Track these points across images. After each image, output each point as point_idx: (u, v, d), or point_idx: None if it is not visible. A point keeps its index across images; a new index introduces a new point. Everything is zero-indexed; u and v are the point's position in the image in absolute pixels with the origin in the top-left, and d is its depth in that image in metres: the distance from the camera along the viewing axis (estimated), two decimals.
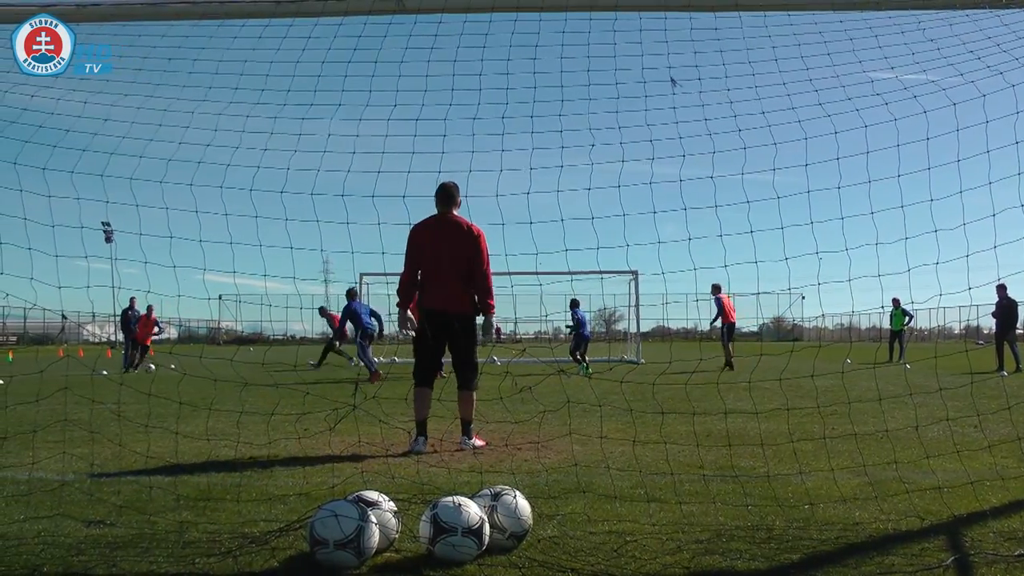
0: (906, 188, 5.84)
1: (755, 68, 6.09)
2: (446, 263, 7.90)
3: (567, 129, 5.89)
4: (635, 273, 28.54)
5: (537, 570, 4.23)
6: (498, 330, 24.65)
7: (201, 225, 5.74)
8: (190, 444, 7.81)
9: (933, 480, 5.98)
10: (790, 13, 6.17)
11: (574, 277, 6.28)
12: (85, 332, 59.60)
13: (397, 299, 8.16)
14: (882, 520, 5.14)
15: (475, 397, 8.26)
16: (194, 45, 6.05)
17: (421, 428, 7.97)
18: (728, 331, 21.90)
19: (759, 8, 6.01)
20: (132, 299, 25.50)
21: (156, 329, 26.12)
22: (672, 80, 5.98)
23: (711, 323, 22.08)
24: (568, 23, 5.86)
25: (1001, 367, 19.85)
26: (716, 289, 22.05)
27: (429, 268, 7.93)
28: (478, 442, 8.19)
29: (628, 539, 4.68)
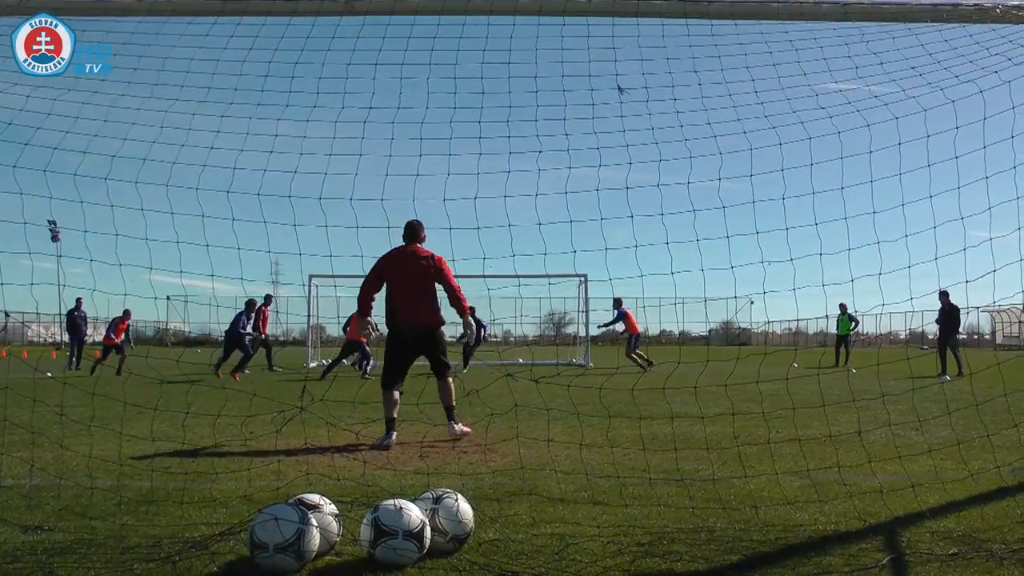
0: (849, 200, 5.95)
1: (701, 78, 6.15)
2: (417, 285, 9.02)
3: (514, 135, 5.91)
4: (584, 277, 28.63)
5: (478, 573, 4.24)
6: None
7: (147, 224, 5.68)
8: (134, 446, 7.70)
9: (874, 483, 6.08)
10: (737, 23, 6.24)
11: (522, 281, 6.28)
12: (30, 332, 58.50)
13: (356, 310, 9.30)
14: (823, 522, 5.22)
15: (451, 384, 9.32)
16: (141, 42, 5.96)
17: (390, 425, 8.77)
18: (635, 341, 23.48)
19: (706, 16, 6.06)
20: (79, 300, 25.12)
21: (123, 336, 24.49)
22: (619, 87, 6.03)
23: (599, 326, 23.05)
24: (516, 28, 5.86)
25: (944, 371, 20.27)
26: (618, 303, 23.45)
27: (402, 290, 9.00)
28: (464, 428, 9.13)
29: (570, 542, 4.70)
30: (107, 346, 22.86)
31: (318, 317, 28.90)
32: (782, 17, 6.16)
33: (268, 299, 22.49)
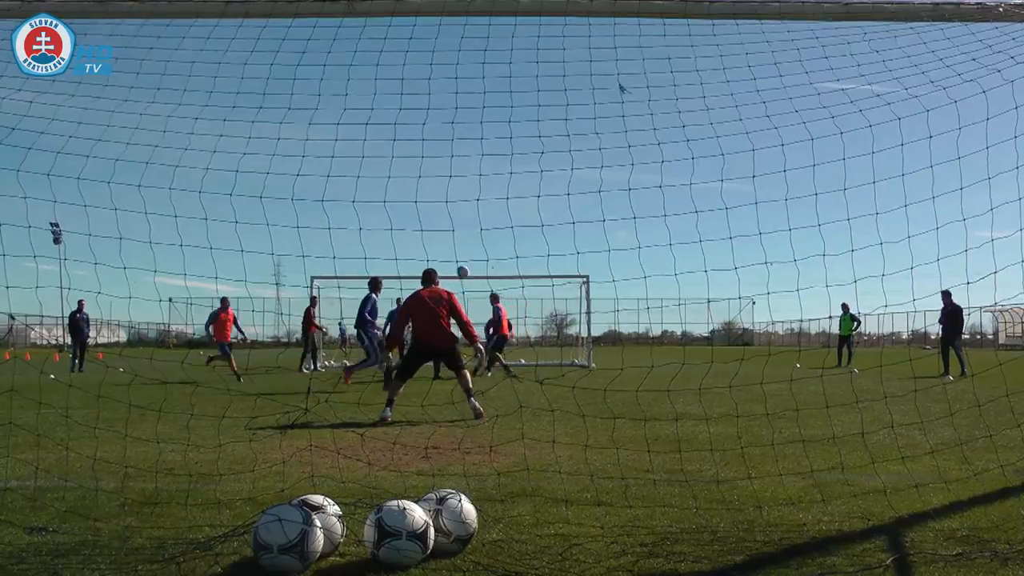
0: (852, 200, 5.94)
1: (703, 77, 6.14)
2: (435, 319, 11.58)
3: (516, 136, 5.91)
4: (586, 278, 28.58)
5: (481, 574, 4.25)
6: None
7: (151, 227, 5.68)
8: (138, 448, 7.72)
9: (877, 483, 6.09)
10: (738, 22, 6.23)
11: (524, 282, 6.30)
12: (33, 335, 58.51)
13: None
14: (826, 522, 5.22)
15: (467, 374, 11.73)
16: (142, 45, 5.95)
17: (390, 402, 11.11)
18: (499, 342, 22.41)
19: (708, 16, 6.06)
20: (80, 302, 25.05)
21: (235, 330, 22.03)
22: (621, 87, 6.02)
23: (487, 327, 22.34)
24: (517, 28, 5.86)
25: (946, 371, 20.23)
26: (495, 298, 22.70)
27: (425, 320, 11.59)
28: (478, 406, 11.05)
29: (574, 543, 4.71)
30: (222, 343, 20.80)
31: (320, 318, 28.83)
32: (784, 17, 6.15)
33: (224, 302, 21.79)
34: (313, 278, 25.96)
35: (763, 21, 6.21)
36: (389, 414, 10.89)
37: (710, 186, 6.21)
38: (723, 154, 6.06)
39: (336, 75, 6.00)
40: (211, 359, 20.73)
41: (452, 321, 11.84)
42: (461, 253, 5.71)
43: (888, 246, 5.94)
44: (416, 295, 11.95)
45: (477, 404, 11.15)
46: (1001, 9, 6.16)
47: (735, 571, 4.30)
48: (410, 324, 12.09)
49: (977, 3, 6.15)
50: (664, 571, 4.30)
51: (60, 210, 5.76)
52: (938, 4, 6.15)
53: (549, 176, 5.93)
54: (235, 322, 21.62)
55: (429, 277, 11.99)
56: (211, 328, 20.69)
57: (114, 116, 5.95)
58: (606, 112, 5.96)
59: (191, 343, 49.95)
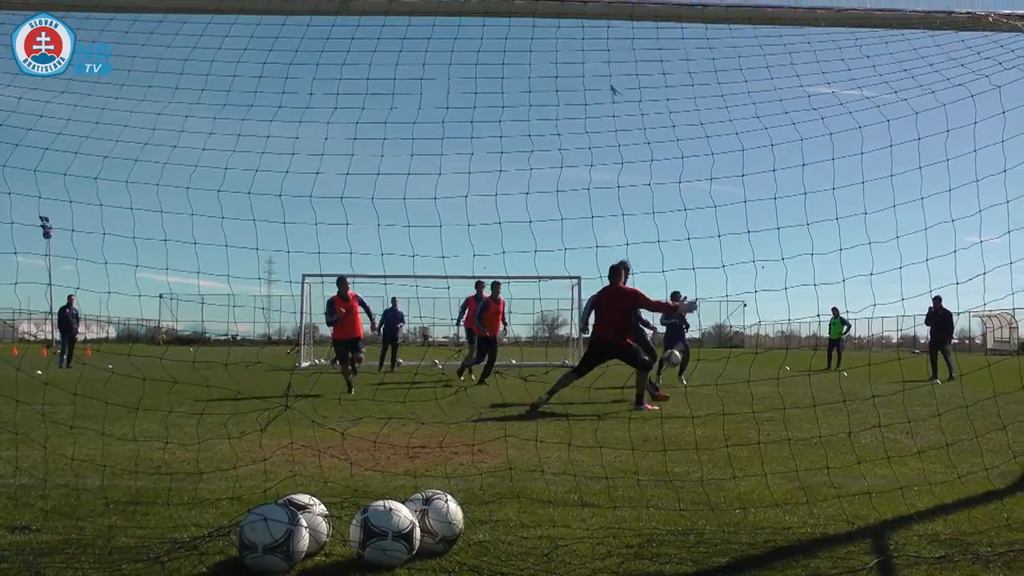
0: (841, 201, 5.97)
1: (695, 79, 6.17)
2: (616, 313, 12.34)
3: (506, 135, 5.92)
4: (578, 279, 28.59)
5: (467, 574, 4.24)
6: (424, 332, 24.19)
7: (135, 223, 5.67)
8: (120, 446, 7.67)
9: (863, 485, 6.11)
10: (731, 27, 6.26)
11: (513, 282, 6.32)
12: (21, 330, 58.26)
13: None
14: (811, 524, 5.24)
15: (646, 376, 12.73)
16: (134, 41, 5.95)
17: (552, 392, 11.76)
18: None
19: (701, 20, 6.08)
20: (70, 297, 24.98)
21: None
22: (613, 88, 6.04)
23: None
24: (511, 30, 5.87)
25: (935, 375, 20.36)
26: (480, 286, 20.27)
27: (606, 317, 12.36)
28: (649, 407, 12.28)
29: (560, 544, 4.71)
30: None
31: (311, 316, 28.75)
32: (776, 22, 6.19)
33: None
34: (304, 275, 25.95)
35: (756, 25, 6.25)
36: (545, 399, 11.52)
37: (699, 185, 6.22)
38: (712, 154, 6.09)
39: (328, 74, 6.00)
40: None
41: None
42: (448, 249, 5.70)
43: (876, 246, 5.98)
44: (604, 292, 12.60)
45: (647, 406, 12.26)
46: (991, 19, 6.21)
47: (720, 573, 4.31)
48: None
49: (967, 12, 6.20)
50: (649, 573, 4.30)
51: (49, 207, 5.75)
52: (929, 12, 6.20)
53: (538, 174, 5.95)
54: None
55: (617, 273, 12.48)
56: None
57: (104, 113, 5.93)
58: (597, 112, 5.99)
59: (181, 339, 49.84)
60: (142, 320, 60.24)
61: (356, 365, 15.80)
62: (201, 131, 6.04)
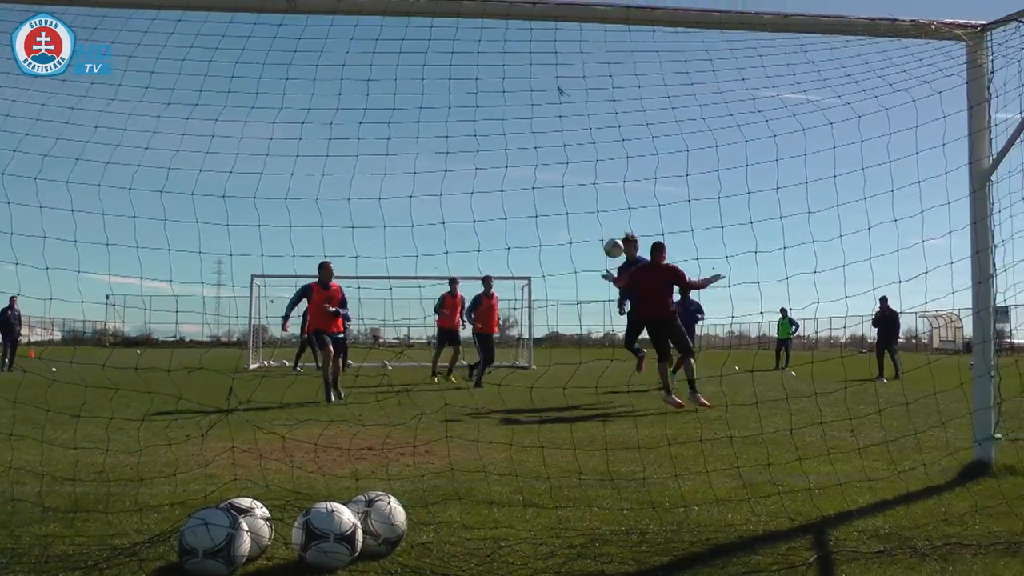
0: (784, 200, 6.05)
1: (641, 80, 6.22)
2: (657, 288, 12.24)
3: (452, 136, 5.93)
4: (527, 280, 28.65)
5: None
6: (375, 333, 23.82)
7: (77, 225, 5.58)
8: (60, 452, 7.53)
9: (805, 483, 6.15)
10: (679, 30, 6.32)
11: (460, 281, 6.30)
12: None
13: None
14: (753, 521, 5.31)
15: (693, 364, 12.54)
16: (80, 37, 5.86)
17: (668, 387, 12.41)
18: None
19: (649, 23, 6.14)
20: (12, 298, 24.40)
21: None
22: (559, 89, 6.07)
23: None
24: (459, 31, 5.89)
25: (881, 374, 20.71)
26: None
27: (648, 291, 12.32)
28: (704, 400, 12.14)
29: (503, 545, 4.72)
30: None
31: (260, 318, 28.49)
32: (724, 27, 6.28)
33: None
34: (253, 276, 25.73)
35: (703, 29, 6.32)
36: (669, 396, 12.07)
37: (644, 185, 6.28)
38: (657, 154, 6.14)
39: (274, 73, 5.96)
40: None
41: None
42: (391, 249, 5.69)
43: (820, 244, 6.07)
44: (644, 267, 12.62)
45: (701, 398, 12.19)
46: (933, 27, 6.34)
47: (662, 571, 4.34)
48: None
49: (911, 20, 6.33)
50: (591, 572, 4.32)
51: None
52: (873, 20, 6.33)
53: (483, 174, 5.96)
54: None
55: (660, 250, 12.38)
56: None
57: (43, 110, 5.84)
58: (543, 112, 6.01)
59: (128, 341, 49.06)
60: (87, 321, 59.31)
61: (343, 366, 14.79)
62: (145, 129, 5.98)
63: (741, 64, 6.45)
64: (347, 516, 4.39)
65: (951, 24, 6.47)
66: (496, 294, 18.82)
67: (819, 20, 6.34)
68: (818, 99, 6.56)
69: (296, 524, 4.45)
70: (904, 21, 6.37)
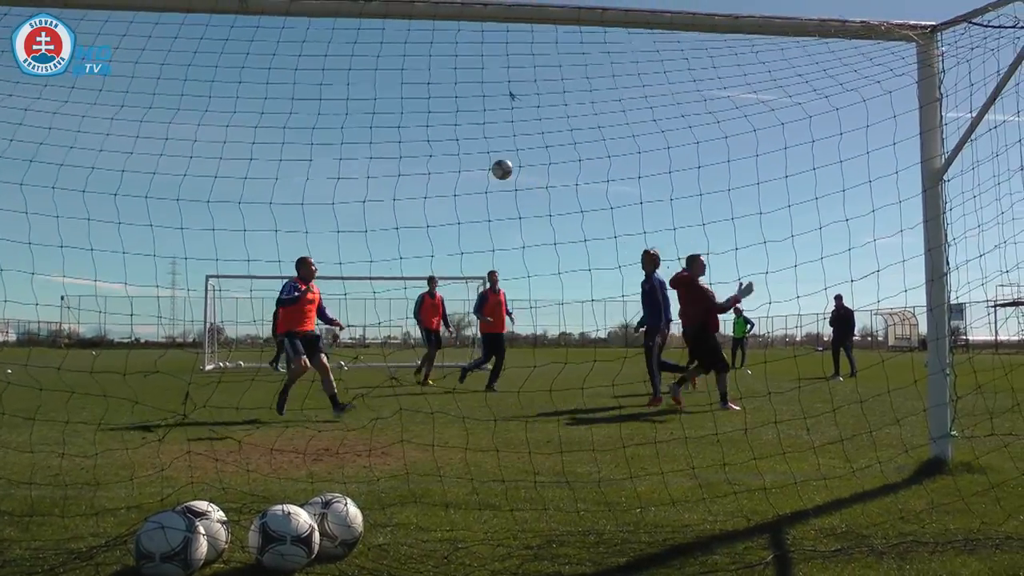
0: (736, 201, 6.11)
1: (592, 83, 6.27)
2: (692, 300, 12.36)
3: (405, 140, 5.93)
4: (483, 280, 28.62)
5: None
6: (335, 336, 23.63)
7: (31, 227, 5.53)
8: (15, 455, 7.45)
9: (761, 482, 6.23)
10: (630, 31, 6.37)
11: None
12: None
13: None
14: (710, 521, 5.34)
15: (726, 377, 12.59)
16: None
17: (725, 397, 12.43)
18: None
19: (600, 24, 6.17)
20: None
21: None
22: (511, 95, 6.09)
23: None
24: (411, 33, 5.89)
25: (837, 373, 20.97)
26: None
27: (686, 302, 12.54)
28: (734, 406, 12.10)
29: (459, 546, 4.74)
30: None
31: (215, 319, 28.35)
32: (675, 27, 6.32)
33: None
34: (208, 276, 25.58)
35: (654, 30, 6.36)
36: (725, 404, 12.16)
37: (596, 187, 6.31)
38: (609, 156, 6.17)
39: (227, 76, 5.92)
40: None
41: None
42: (345, 254, 5.69)
43: (772, 245, 6.14)
44: (685, 276, 12.50)
45: (732, 406, 12.09)
46: (883, 28, 6.44)
47: (618, 573, 4.37)
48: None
49: (861, 21, 6.42)
50: (549, 573, 4.34)
51: None
52: (824, 20, 6.40)
53: (437, 178, 5.97)
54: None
55: (692, 263, 12.33)
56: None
57: None
58: (495, 117, 6.02)
59: (83, 342, 48.41)
60: (42, 322, 58.55)
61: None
62: (99, 131, 5.92)
63: (692, 65, 6.49)
64: (304, 518, 4.38)
65: (901, 25, 6.57)
66: (502, 289, 17.85)
67: (771, 21, 6.41)
68: (770, 99, 6.64)
69: (252, 527, 4.43)
70: (854, 22, 6.46)
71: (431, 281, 18.86)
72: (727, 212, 6.06)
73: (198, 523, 4.37)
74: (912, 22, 6.65)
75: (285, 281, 11.92)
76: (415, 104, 5.97)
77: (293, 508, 4.44)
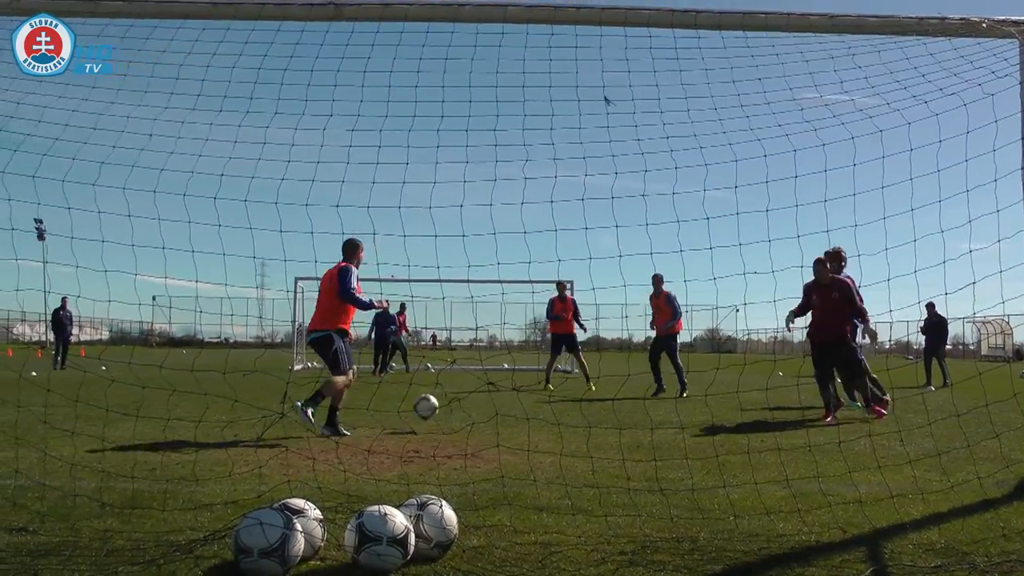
0: (832, 212, 5.99)
1: (687, 89, 6.18)
2: (831, 307, 11.25)
3: (501, 144, 5.95)
4: (571, 283, 28.61)
5: None
6: (434, 336, 24.02)
7: (134, 229, 5.70)
8: (117, 450, 7.69)
9: (855, 493, 6.09)
10: (723, 34, 6.28)
11: (506, 287, 6.36)
12: (15, 331, 58.31)
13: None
14: (805, 532, 5.24)
15: (867, 383, 11.59)
16: (130, 47, 5.96)
17: (873, 402, 11.54)
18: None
19: (693, 27, 6.09)
20: (64, 299, 25.00)
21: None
22: (606, 99, 6.06)
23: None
24: (505, 37, 5.88)
25: (928, 382, 20.27)
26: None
27: (820, 310, 11.36)
28: (882, 412, 11.49)
29: (554, 550, 4.73)
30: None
31: (304, 320, 28.77)
32: (769, 29, 6.20)
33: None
34: (297, 279, 26.01)
35: (748, 33, 6.26)
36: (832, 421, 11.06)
37: (692, 195, 6.25)
38: (706, 164, 6.10)
39: (323, 80, 6.01)
40: None
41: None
42: (443, 259, 5.73)
43: (866, 258, 6.00)
44: (816, 283, 11.52)
45: (881, 409, 11.41)
46: (984, 25, 6.23)
47: None
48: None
49: (961, 18, 6.23)
50: None
51: (44, 211, 5.78)
52: (922, 18, 6.22)
53: (533, 183, 5.97)
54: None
55: (836, 257, 11.50)
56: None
57: (100, 119, 5.96)
58: (590, 122, 6.00)
59: (174, 341, 49.77)
60: (135, 322, 60.30)
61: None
62: (198, 137, 6.07)
63: (788, 71, 6.34)
64: (400, 519, 4.42)
65: (1003, 21, 6.35)
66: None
67: (867, 20, 6.23)
68: (867, 106, 6.48)
69: (349, 526, 4.49)
70: (954, 19, 6.26)
71: (560, 286, 19.27)
72: (822, 225, 5.95)
73: (295, 520, 4.44)
74: (1015, 18, 6.43)
75: (343, 267, 9.99)
76: (511, 107, 5.98)
77: (389, 509, 4.49)
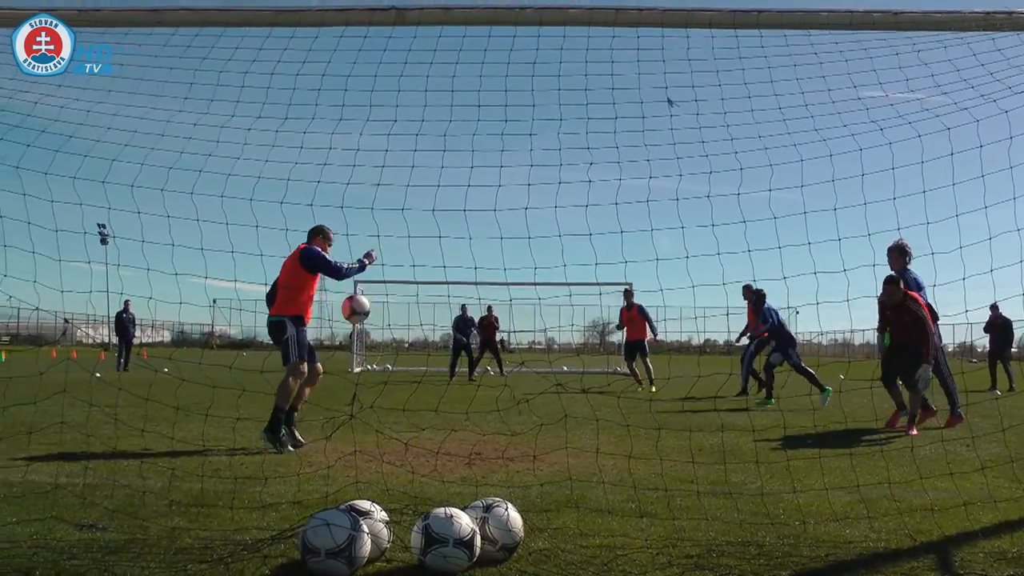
0: (902, 211, 5.89)
1: (750, 89, 6.13)
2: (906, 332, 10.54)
3: (565, 148, 5.95)
4: (630, 286, 28.53)
5: None
6: (502, 341, 24.14)
7: (202, 233, 5.81)
8: (185, 449, 7.84)
9: (925, 500, 5.99)
10: (786, 33, 6.21)
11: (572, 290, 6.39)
12: (79, 333, 59.54)
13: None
14: (873, 539, 5.16)
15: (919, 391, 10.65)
16: (196, 55, 6.04)
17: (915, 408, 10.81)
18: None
19: (756, 27, 6.03)
20: (127, 302, 25.48)
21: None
22: (669, 100, 6.02)
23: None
24: (566, 40, 5.89)
25: (994, 386, 19.83)
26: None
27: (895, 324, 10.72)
28: (912, 432, 10.52)
29: (619, 553, 4.71)
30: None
31: (363, 322, 29.03)
32: (832, 27, 6.11)
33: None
34: (356, 282, 26.24)
35: (811, 32, 6.19)
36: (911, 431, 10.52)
37: (758, 196, 6.18)
38: (771, 164, 6.04)
39: (386, 85, 6.07)
40: None
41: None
42: (509, 260, 5.74)
43: (939, 257, 5.89)
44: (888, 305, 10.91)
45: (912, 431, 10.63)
46: None
47: None
48: None
49: None
50: None
51: (112, 216, 5.92)
52: (989, 13, 6.09)
53: (597, 186, 5.96)
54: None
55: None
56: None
57: (168, 126, 6.09)
58: (654, 125, 5.98)
59: (233, 343, 50.53)
60: (194, 324, 61.37)
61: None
62: (264, 143, 6.17)
63: (852, 69, 6.26)
64: (466, 521, 4.44)
65: None
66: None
67: (931, 16, 6.10)
68: (934, 105, 6.36)
69: (415, 528, 4.52)
70: (1021, 13, 6.13)
71: (627, 294, 20.05)
72: (893, 223, 5.87)
73: (362, 522, 4.47)
74: None
75: (306, 248, 9.05)
76: (574, 110, 5.99)
77: (455, 511, 4.50)
